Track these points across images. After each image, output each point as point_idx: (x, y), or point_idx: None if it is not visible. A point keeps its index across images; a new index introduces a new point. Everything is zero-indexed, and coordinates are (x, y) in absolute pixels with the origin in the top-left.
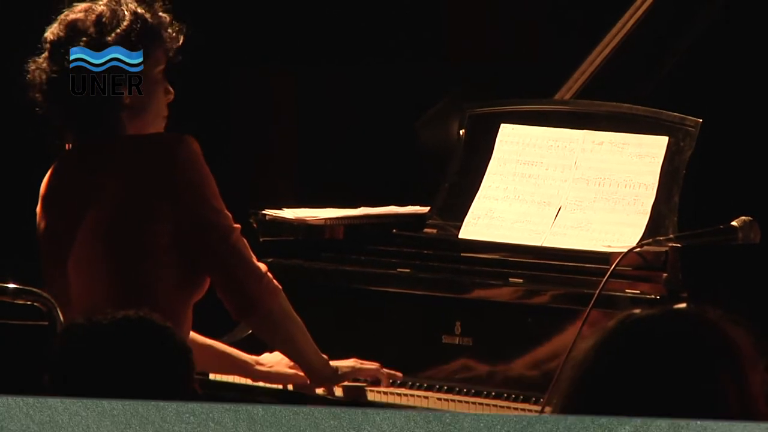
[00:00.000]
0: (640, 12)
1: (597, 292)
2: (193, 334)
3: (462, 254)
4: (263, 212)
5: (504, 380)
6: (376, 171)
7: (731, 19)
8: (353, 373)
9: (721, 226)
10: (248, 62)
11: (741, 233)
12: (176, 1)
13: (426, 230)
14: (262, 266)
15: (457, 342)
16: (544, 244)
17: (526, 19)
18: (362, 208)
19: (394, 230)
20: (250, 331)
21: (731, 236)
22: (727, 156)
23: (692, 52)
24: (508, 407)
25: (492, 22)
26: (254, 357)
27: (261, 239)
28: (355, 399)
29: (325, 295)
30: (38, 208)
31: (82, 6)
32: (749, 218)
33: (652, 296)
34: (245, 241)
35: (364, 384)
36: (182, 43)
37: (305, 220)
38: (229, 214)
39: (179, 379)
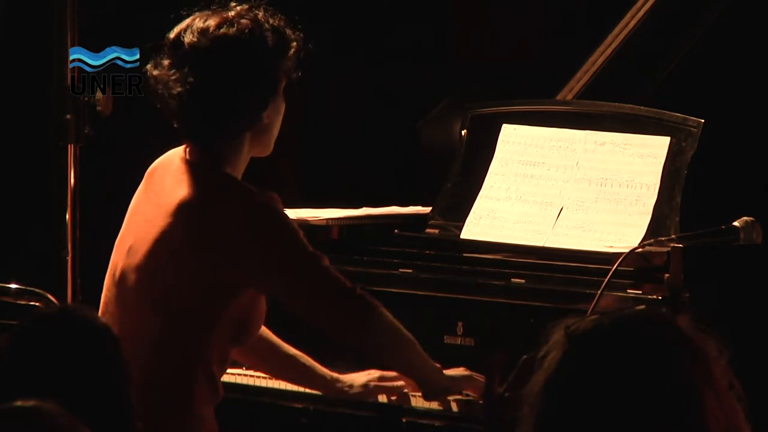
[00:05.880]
0: (641, 13)
1: (599, 292)
2: (278, 343)
3: (464, 254)
4: None
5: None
6: (378, 171)
7: (733, 20)
8: (468, 384)
9: (723, 227)
10: None
11: (743, 234)
12: (185, 2)
13: (428, 230)
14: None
15: (459, 342)
16: (546, 245)
17: (528, 19)
18: (364, 209)
19: (396, 231)
20: None
21: (733, 237)
22: (729, 156)
23: (694, 53)
24: None
25: (494, 23)
26: (334, 374)
27: None
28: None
29: None
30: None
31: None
32: (751, 219)
33: (654, 297)
34: (326, 260)
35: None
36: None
37: (307, 220)
38: (310, 250)
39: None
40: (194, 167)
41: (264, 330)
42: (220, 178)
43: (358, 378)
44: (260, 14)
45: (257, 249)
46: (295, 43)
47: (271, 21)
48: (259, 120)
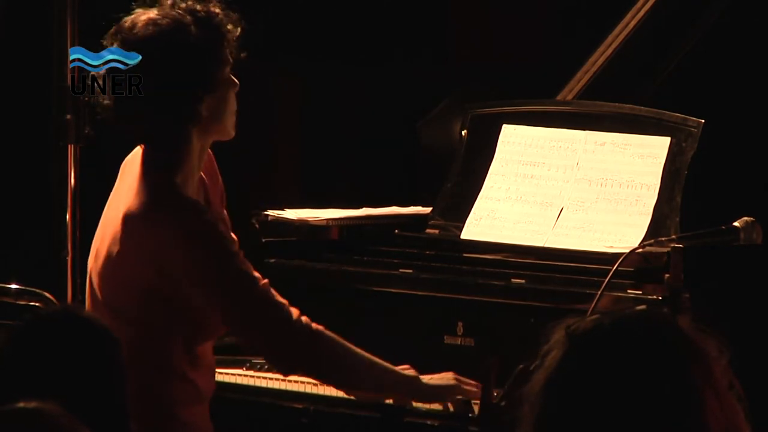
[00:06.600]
0: (641, 13)
1: (599, 292)
2: None
3: (464, 255)
4: (265, 213)
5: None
6: (378, 171)
7: (733, 20)
8: (453, 395)
9: (723, 227)
10: (252, 62)
11: (743, 234)
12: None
13: (428, 231)
14: (294, 311)
15: (459, 342)
16: (546, 245)
17: (528, 19)
18: (364, 209)
19: (396, 231)
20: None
21: (733, 237)
22: (729, 156)
23: (694, 53)
24: None
25: (494, 23)
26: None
27: (263, 240)
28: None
29: (327, 295)
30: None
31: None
32: (751, 219)
33: (654, 297)
34: (265, 289)
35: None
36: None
37: (307, 220)
38: (248, 272)
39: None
40: (146, 171)
41: None
42: (165, 190)
43: None
44: (185, 5)
45: (193, 265)
46: (230, 26)
47: (199, 10)
48: (197, 115)
